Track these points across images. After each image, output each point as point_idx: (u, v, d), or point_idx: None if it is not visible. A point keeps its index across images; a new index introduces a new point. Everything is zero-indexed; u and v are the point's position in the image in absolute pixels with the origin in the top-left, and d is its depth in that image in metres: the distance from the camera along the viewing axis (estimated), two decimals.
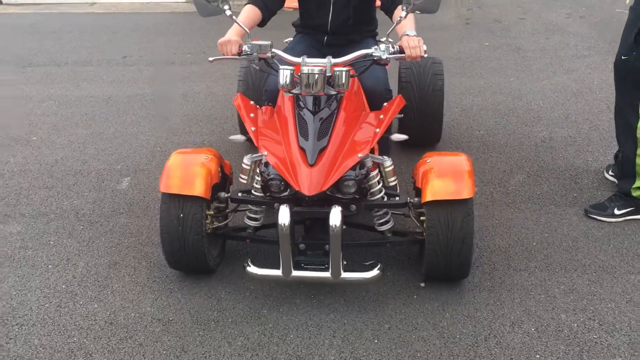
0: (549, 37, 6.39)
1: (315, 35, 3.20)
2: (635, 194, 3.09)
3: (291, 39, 3.44)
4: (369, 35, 3.25)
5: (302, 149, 2.45)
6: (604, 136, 4.03)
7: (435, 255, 2.49)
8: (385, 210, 2.65)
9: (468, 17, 7.38)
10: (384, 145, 2.95)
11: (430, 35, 5.52)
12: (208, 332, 2.45)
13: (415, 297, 2.59)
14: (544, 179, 3.53)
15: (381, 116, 2.65)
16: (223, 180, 2.77)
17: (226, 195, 2.72)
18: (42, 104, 5.00)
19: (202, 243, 2.59)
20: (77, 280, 2.79)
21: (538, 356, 2.25)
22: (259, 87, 3.55)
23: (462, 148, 3.95)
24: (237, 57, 2.69)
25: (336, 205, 2.38)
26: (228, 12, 2.62)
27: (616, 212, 3.10)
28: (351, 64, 2.65)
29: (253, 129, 2.65)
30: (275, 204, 2.48)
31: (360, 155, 2.46)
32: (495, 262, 2.80)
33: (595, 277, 2.66)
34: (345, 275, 2.43)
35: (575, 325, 2.39)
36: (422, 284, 2.67)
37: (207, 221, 2.62)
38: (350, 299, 2.60)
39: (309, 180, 2.38)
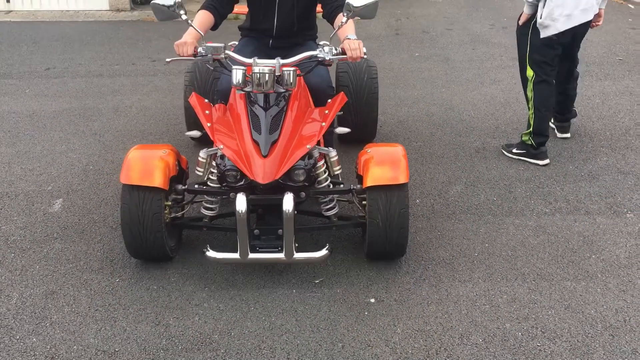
0: (475, 47, 6.64)
1: (262, 39, 3.37)
2: (524, 138, 3.97)
3: (236, 42, 3.55)
4: (310, 39, 3.46)
5: (255, 142, 2.71)
6: None
7: (375, 234, 2.77)
8: (331, 197, 2.92)
9: (397, 27, 7.55)
10: (329, 139, 3.27)
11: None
12: None
13: (366, 313, 2.61)
14: (480, 189, 3.65)
15: (326, 111, 2.95)
16: (180, 174, 2.96)
17: (183, 187, 2.90)
18: None
19: (162, 232, 2.76)
20: (11, 312, 2.63)
21: None
22: (205, 90, 3.74)
23: None
24: (193, 58, 2.87)
25: (288, 192, 2.65)
26: (184, 17, 2.82)
27: (514, 151, 4.02)
28: (297, 64, 2.87)
29: (209, 124, 2.86)
30: (231, 194, 2.72)
31: (308, 146, 2.73)
32: (440, 274, 2.86)
33: (534, 285, 2.77)
34: (297, 255, 2.69)
35: (520, 334, 2.48)
36: (372, 300, 2.70)
37: (166, 211, 2.79)
38: (301, 318, 2.59)
39: (262, 170, 2.64)
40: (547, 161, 3.92)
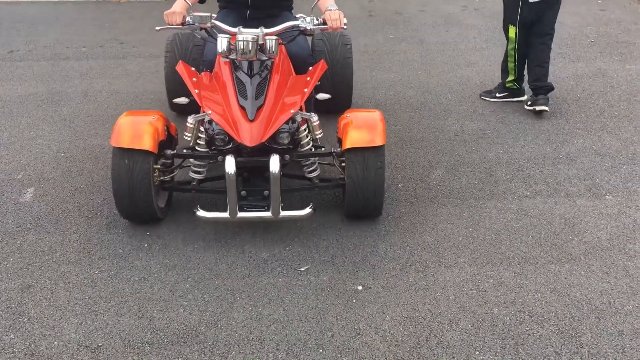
0: (448, 29, 6.62)
1: (238, 10, 3.54)
2: (508, 85, 4.63)
3: (214, 15, 3.55)
4: (287, 9, 3.65)
5: (242, 107, 2.86)
6: (510, 128, 4.24)
7: (354, 194, 2.94)
8: (313, 160, 3.10)
9: (370, 9, 7.48)
10: (310, 105, 3.49)
11: None
12: (143, 357, 2.30)
13: (354, 301, 2.59)
14: (461, 172, 3.65)
15: (308, 78, 3.11)
16: (169, 140, 3.10)
17: (172, 152, 3.05)
18: None
19: (150, 194, 2.89)
20: None
21: (477, 352, 2.32)
22: (184, 59, 3.87)
23: None
24: (181, 26, 3.07)
25: (274, 154, 2.82)
26: None
27: (497, 95, 4.68)
28: (279, 34, 3.06)
29: (196, 91, 2.99)
30: (219, 157, 2.89)
31: (292, 111, 2.89)
32: (426, 259, 2.85)
33: (519, 269, 2.78)
34: (283, 213, 2.87)
35: (508, 318, 2.49)
36: (360, 287, 2.67)
37: (155, 174, 2.93)
38: (289, 308, 2.55)
39: (249, 133, 2.79)
40: (526, 96, 4.64)
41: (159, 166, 2.99)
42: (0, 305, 2.54)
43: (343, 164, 2.99)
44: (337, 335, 2.40)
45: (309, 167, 3.10)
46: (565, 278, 2.72)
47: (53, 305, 2.55)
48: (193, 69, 3.16)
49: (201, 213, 2.88)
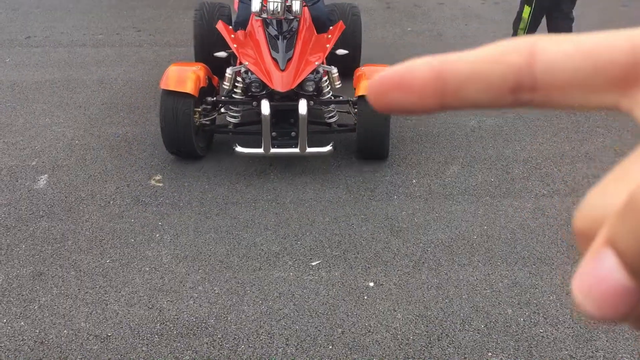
0: (467, 23, 6.53)
1: None
2: None
3: None
4: None
5: (274, 59, 3.38)
6: (529, 125, 4.17)
7: (364, 136, 3.42)
8: (332, 107, 3.58)
9: (388, 1, 7.39)
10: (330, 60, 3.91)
11: None
12: (152, 347, 2.29)
13: (365, 297, 2.56)
14: (477, 169, 3.59)
15: (329, 36, 3.72)
16: (211, 88, 3.61)
17: (212, 99, 3.52)
18: None
19: (191, 132, 3.35)
20: None
21: (490, 354, 2.29)
22: (211, 27, 4.21)
23: (394, 138, 3.94)
24: None
25: (302, 99, 3.31)
26: None
27: None
28: None
29: (235, 45, 3.54)
30: (254, 102, 3.39)
31: (317, 63, 3.42)
32: (439, 257, 2.81)
33: (535, 270, 2.73)
34: (309, 149, 3.35)
35: (522, 319, 2.45)
36: (371, 284, 2.64)
37: (196, 116, 3.41)
38: (299, 302, 2.53)
39: (281, 81, 3.31)
40: None
41: (200, 109, 3.48)
42: (12, 292, 2.55)
43: (356, 111, 3.43)
44: (347, 332, 2.38)
45: (329, 114, 3.58)
46: None
47: (64, 293, 2.55)
48: (231, 27, 3.73)
49: (239, 149, 3.36)
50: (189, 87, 3.30)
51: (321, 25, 3.89)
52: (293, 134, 3.42)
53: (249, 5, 3.57)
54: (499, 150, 3.82)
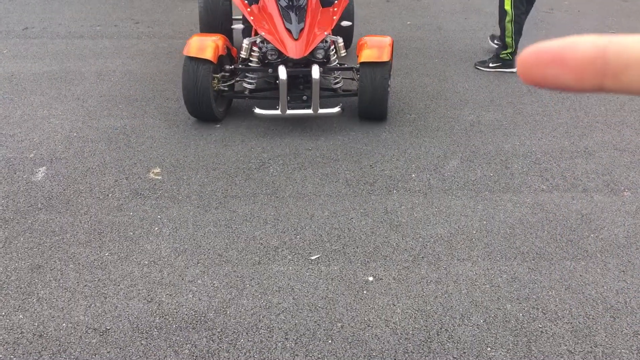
0: (467, 17, 6.51)
1: None
2: (502, 56, 4.95)
3: None
4: None
5: (287, 30, 3.77)
6: (528, 120, 4.16)
7: (364, 99, 3.82)
8: (339, 73, 4.00)
9: None
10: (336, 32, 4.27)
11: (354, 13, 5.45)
12: (151, 341, 2.29)
13: (364, 292, 2.56)
14: (476, 164, 3.59)
15: (335, 9, 4.14)
16: (229, 57, 3.97)
17: (230, 67, 3.92)
18: None
19: (210, 96, 3.72)
20: None
21: (489, 349, 2.29)
22: (214, 11, 4.74)
23: (395, 133, 3.94)
24: None
25: (314, 64, 3.71)
26: None
27: (490, 65, 4.99)
28: None
29: (252, 18, 3.91)
30: (270, 69, 3.82)
31: (326, 33, 3.83)
32: (439, 252, 2.81)
33: (534, 265, 2.73)
34: (321, 111, 3.75)
35: (521, 315, 2.45)
36: (370, 278, 2.64)
37: (214, 82, 3.79)
38: (298, 297, 2.52)
39: (295, 48, 3.72)
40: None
41: (219, 76, 3.84)
42: (10, 285, 2.54)
43: (359, 76, 3.80)
44: (346, 327, 2.38)
45: (335, 80, 3.98)
46: (580, 275, 2.67)
47: (62, 286, 2.55)
48: (246, 1, 4.05)
49: (258, 111, 3.74)
50: (209, 54, 3.64)
51: (325, 2, 4.26)
52: (304, 97, 3.86)
53: None
54: (498, 145, 3.81)
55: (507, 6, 4.81)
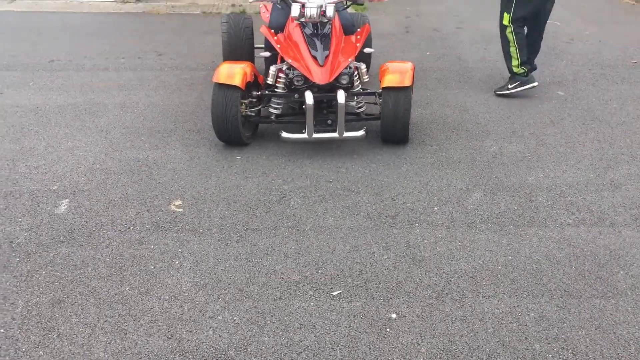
0: (487, 47, 6.51)
1: None
2: (515, 70, 4.99)
3: None
4: None
5: (313, 56, 3.93)
6: (551, 152, 4.11)
7: (387, 122, 3.94)
8: (362, 97, 4.17)
9: (407, 25, 7.42)
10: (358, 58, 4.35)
11: (374, 44, 5.48)
12: None
13: (388, 330, 2.50)
14: (500, 197, 3.54)
15: (358, 37, 4.26)
16: (256, 84, 4.12)
17: (257, 92, 4.08)
18: None
19: (238, 122, 3.86)
20: (17, 322, 2.52)
21: None
22: (237, 35, 4.96)
23: (416, 164, 3.91)
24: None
25: (340, 90, 3.85)
26: None
27: (509, 87, 5.05)
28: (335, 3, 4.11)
29: (278, 46, 4.05)
30: (296, 95, 3.97)
31: (350, 59, 3.99)
32: (463, 288, 2.75)
33: (562, 303, 2.66)
34: (345, 134, 3.89)
35: (550, 355, 2.37)
36: (394, 315, 2.58)
37: (242, 107, 3.92)
38: (320, 334, 2.48)
39: (321, 75, 3.87)
40: (537, 83, 5.05)
41: (246, 102, 3.98)
42: (31, 320, 2.53)
43: (381, 100, 3.94)
44: None
45: (358, 104, 4.12)
46: (611, 314, 2.59)
47: (83, 322, 2.53)
48: (272, 30, 4.21)
49: (285, 135, 3.89)
50: (237, 81, 3.79)
51: (347, 28, 4.38)
52: (329, 121, 4.00)
53: (284, 11, 4.28)
54: (521, 178, 3.76)
55: (505, 20, 4.95)
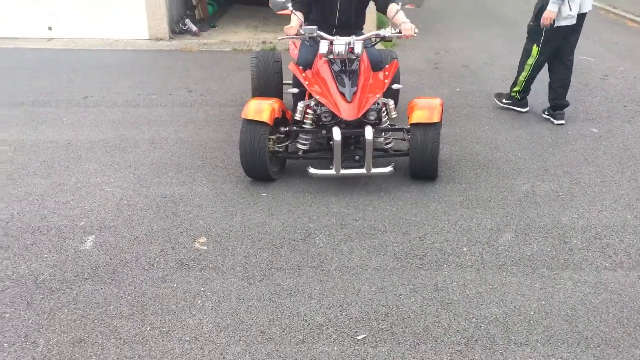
0: None
1: (326, 29, 4.25)
2: (513, 94, 5.47)
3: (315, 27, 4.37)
4: (360, 28, 4.55)
5: (341, 93, 3.91)
6: (586, 191, 3.98)
7: (415, 158, 3.92)
8: (390, 133, 4.16)
9: (436, 61, 7.40)
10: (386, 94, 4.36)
11: (402, 80, 5.46)
12: None
13: None
14: (532, 237, 3.42)
15: (386, 73, 4.28)
16: (284, 120, 4.15)
17: (285, 129, 4.10)
18: None
19: (265, 157, 3.88)
20: None
21: None
22: (266, 70, 4.97)
23: (445, 203, 3.83)
24: (296, 36, 4.07)
25: (367, 126, 3.84)
26: (290, 8, 4.03)
27: (504, 101, 5.57)
28: (364, 40, 4.10)
29: (306, 82, 4.08)
30: (323, 131, 3.97)
31: (378, 95, 3.98)
32: (494, 334, 2.64)
33: (599, 353, 2.52)
34: (373, 170, 3.85)
35: None
36: None
37: (270, 143, 3.95)
38: None
39: (348, 111, 3.86)
40: (527, 109, 5.48)
41: (274, 137, 4.01)
42: (52, 359, 2.50)
43: (410, 137, 3.93)
44: None
45: (386, 140, 4.13)
46: None
47: None
48: (301, 67, 4.23)
49: (312, 171, 3.88)
50: (265, 117, 3.83)
51: (375, 64, 4.33)
52: (357, 157, 3.98)
53: (313, 48, 4.24)
54: (555, 218, 3.64)
55: (534, 51, 5.11)
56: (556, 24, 4.90)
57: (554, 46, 5.06)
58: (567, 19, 4.89)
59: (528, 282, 3.01)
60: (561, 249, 3.30)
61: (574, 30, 5.00)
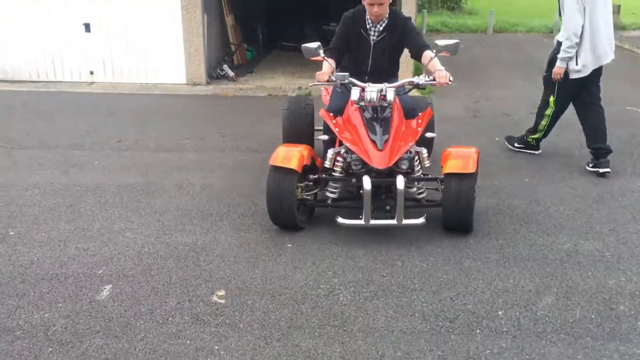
0: (559, 133, 6.15)
1: (359, 76, 4.17)
2: (529, 139, 5.44)
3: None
4: (394, 75, 4.51)
5: (372, 140, 3.82)
6: (634, 251, 3.69)
7: (449, 209, 3.75)
8: (423, 183, 4.03)
9: (476, 109, 7.23)
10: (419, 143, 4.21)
11: (439, 128, 5.31)
12: None
13: None
14: (575, 302, 3.15)
15: (419, 120, 4.14)
16: (313, 167, 4.04)
17: (314, 176, 4.00)
18: (25, 192, 4.68)
19: (292, 205, 3.75)
20: None
21: None
22: (299, 114, 4.96)
23: (480, 260, 3.59)
24: (327, 82, 4.03)
25: (399, 175, 3.71)
26: (322, 55, 3.96)
27: (516, 145, 5.57)
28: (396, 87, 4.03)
29: (337, 129, 3.98)
30: (353, 179, 3.87)
31: (410, 143, 3.88)
32: None
33: None
34: (405, 221, 3.70)
35: None
36: None
37: (298, 191, 3.82)
38: None
39: (379, 159, 3.76)
40: (540, 151, 5.48)
41: (303, 185, 3.90)
42: None
43: (444, 188, 3.80)
44: None
45: (419, 190, 3.98)
46: None
47: None
48: (331, 114, 4.14)
49: (341, 220, 3.76)
50: (294, 164, 3.74)
51: (408, 112, 4.24)
52: (388, 207, 3.81)
53: (344, 94, 4.15)
54: (599, 281, 3.36)
55: (551, 102, 5.12)
56: (570, 77, 4.91)
57: (569, 97, 5.07)
58: (578, 72, 4.88)
59: (570, 353, 2.73)
60: (607, 316, 3.02)
61: (590, 81, 4.95)
